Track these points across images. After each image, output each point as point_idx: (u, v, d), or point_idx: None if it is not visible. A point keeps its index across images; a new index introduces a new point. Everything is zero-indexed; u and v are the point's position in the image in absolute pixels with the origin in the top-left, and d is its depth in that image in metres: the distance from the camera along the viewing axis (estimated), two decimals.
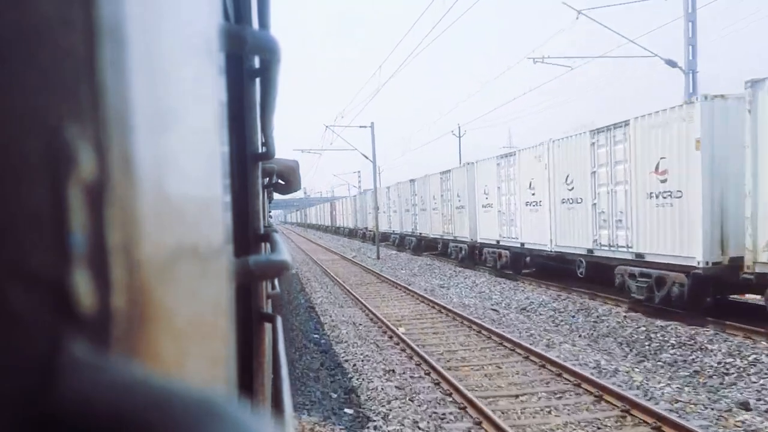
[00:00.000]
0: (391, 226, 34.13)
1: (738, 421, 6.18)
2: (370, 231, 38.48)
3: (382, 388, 7.75)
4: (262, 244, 1.53)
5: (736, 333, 9.34)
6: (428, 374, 8.24)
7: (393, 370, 8.57)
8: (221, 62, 0.56)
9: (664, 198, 10.94)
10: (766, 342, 8.72)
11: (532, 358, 8.75)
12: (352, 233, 48.82)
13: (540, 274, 17.05)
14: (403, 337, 10.22)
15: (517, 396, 7.31)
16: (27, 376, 0.18)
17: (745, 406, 6.52)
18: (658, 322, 10.49)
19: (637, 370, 8.24)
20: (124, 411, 0.18)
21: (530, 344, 9.46)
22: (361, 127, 30.17)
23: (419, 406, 7.07)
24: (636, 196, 11.70)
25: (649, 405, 6.38)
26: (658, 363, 8.61)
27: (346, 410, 7.12)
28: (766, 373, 7.60)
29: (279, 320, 1.90)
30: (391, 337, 10.67)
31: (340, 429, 6.56)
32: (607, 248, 12.87)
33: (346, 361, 9.28)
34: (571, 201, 14.32)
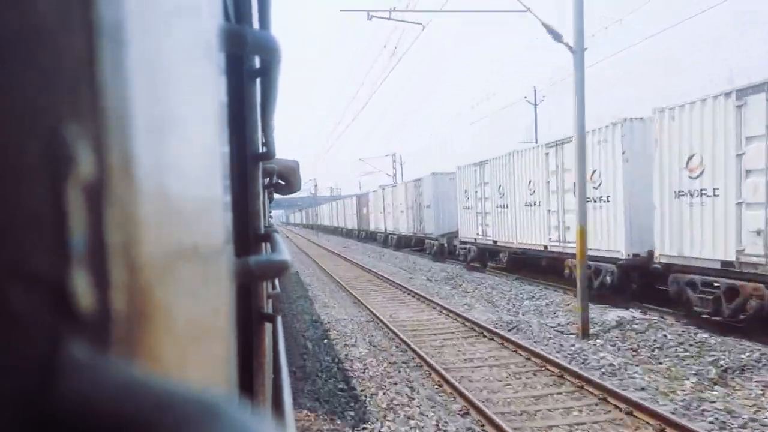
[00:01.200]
0: (605, 239, 12.50)
1: None
2: (466, 245, 20.05)
3: None
4: (263, 244, 1.53)
5: None
6: None
7: None
8: (221, 62, 0.56)
9: None
10: None
11: None
12: (403, 243, 30.01)
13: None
14: None
15: None
16: (27, 376, 0.18)
17: None
18: None
19: None
20: (124, 411, 0.18)
21: None
22: None
23: None
24: None
25: None
26: None
27: None
28: None
29: (279, 320, 1.90)
30: None
31: None
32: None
33: None
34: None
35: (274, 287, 2.69)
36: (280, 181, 3.21)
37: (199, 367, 0.34)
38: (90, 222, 0.20)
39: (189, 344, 0.32)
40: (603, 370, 7.84)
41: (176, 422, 0.18)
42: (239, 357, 0.84)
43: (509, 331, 10.24)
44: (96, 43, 0.21)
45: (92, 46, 0.20)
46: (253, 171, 1.40)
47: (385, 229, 34.39)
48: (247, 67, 1.34)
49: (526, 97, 33.62)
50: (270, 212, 5.81)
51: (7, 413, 0.18)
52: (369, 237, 41.04)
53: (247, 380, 1.27)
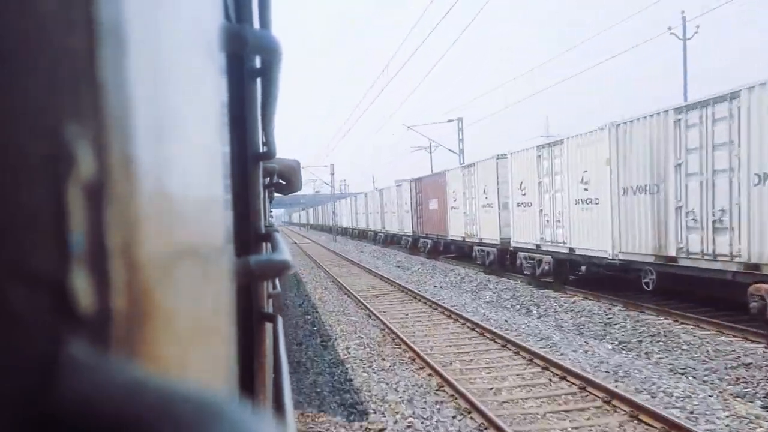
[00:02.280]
0: None
1: None
2: None
3: None
4: (263, 243, 1.53)
5: None
6: None
7: None
8: (222, 62, 0.56)
9: None
10: None
11: None
12: (565, 268, 14.33)
13: None
14: None
15: None
16: (27, 376, 0.18)
17: None
18: None
19: None
20: (124, 411, 0.18)
21: None
22: None
23: None
24: None
25: None
26: None
27: None
28: None
29: (280, 320, 1.90)
30: None
31: None
32: None
33: None
34: None
35: (274, 287, 2.69)
36: (280, 181, 3.22)
37: (199, 367, 0.34)
38: (90, 222, 0.20)
39: (189, 344, 0.32)
40: None
41: (177, 422, 0.18)
42: (240, 357, 0.84)
43: None
44: (97, 44, 0.21)
45: (93, 46, 0.20)
46: (253, 170, 1.40)
47: (508, 240, 17.11)
48: (248, 66, 1.34)
49: (671, 29, 22.90)
50: (270, 211, 5.81)
51: (7, 413, 0.18)
52: (438, 248, 24.45)
53: (248, 380, 1.27)
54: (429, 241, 25.56)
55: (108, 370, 0.19)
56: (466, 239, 20.71)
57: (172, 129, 0.30)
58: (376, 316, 11.79)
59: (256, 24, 1.42)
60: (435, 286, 16.49)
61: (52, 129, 0.19)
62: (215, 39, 0.45)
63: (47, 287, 0.19)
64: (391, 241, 33.08)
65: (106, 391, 0.19)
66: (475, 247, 19.78)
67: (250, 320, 1.36)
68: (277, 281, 2.91)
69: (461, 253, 21.98)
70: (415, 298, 14.32)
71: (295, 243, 42.47)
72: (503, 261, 17.86)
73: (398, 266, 22.92)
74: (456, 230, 21.77)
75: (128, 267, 0.22)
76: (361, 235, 42.96)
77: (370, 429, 6.14)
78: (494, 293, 14.84)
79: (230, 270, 0.49)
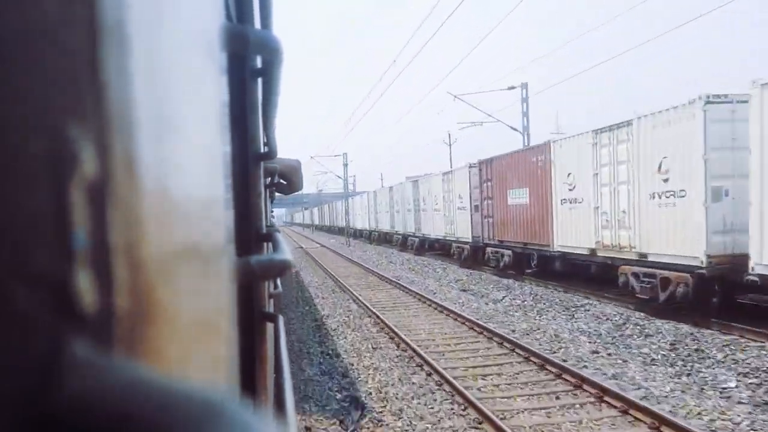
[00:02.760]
0: None
1: None
2: None
3: None
4: (264, 243, 1.53)
5: None
6: None
7: None
8: (223, 62, 0.56)
9: None
10: None
11: None
12: None
13: None
14: None
15: None
16: (27, 376, 0.18)
17: None
18: None
19: None
20: (125, 411, 0.18)
21: None
22: None
23: None
24: None
25: None
26: None
27: None
28: None
29: (281, 320, 1.91)
30: None
31: None
32: None
33: None
34: None
35: (275, 287, 2.69)
36: (281, 181, 3.22)
37: (200, 367, 0.34)
38: (93, 221, 0.20)
39: (191, 343, 0.32)
40: None
41: (178, 421, 0.18)
42: (241, 356, 0.84)
43: None
44: (99, 43, 0.21)
45: (95, 46, 0.20)
46: (254, 170, 1.40)
47: (728, 259, 9.18)
48: (249, 66, 1.34)
49: None
50: (272, 211, 5.81)
51: (7, 413, 0.18)
52: (524, 262, 15.92)
53: (249, 380, 1.27)
54: (508, 252, 16.28)
55: (110, 369, 0.19)
56: (599, 253, 12.06)
57: (173, 129, 0.30)
58: None
59: (258, 24, 1.42)
60: (593, 351, 8.37)
61: (54, 129, 0.19)
62: (216, 39, 0.45)
63: (49, 287, 0.19)
64: (429, 247, 24.54)
65: (107, 391, 0.19)
66: (626, 268, 11.21)
67: (251, 320, 1.36)
68: (278, 281, 2.91)
69: (569, 269, 13.67)
70: (597, 398, 6.36)
71: (302, 248, 35.00)
72: (708, 299, 9.56)
73: (463, 290, 14.68)
74: (571, 238, 12.94)
75: (130, 266, 0.22)
76: (383, 239, 34.59)
77: None
78: (751, 376, 6.83)
79: (231, 270, 0.49)
